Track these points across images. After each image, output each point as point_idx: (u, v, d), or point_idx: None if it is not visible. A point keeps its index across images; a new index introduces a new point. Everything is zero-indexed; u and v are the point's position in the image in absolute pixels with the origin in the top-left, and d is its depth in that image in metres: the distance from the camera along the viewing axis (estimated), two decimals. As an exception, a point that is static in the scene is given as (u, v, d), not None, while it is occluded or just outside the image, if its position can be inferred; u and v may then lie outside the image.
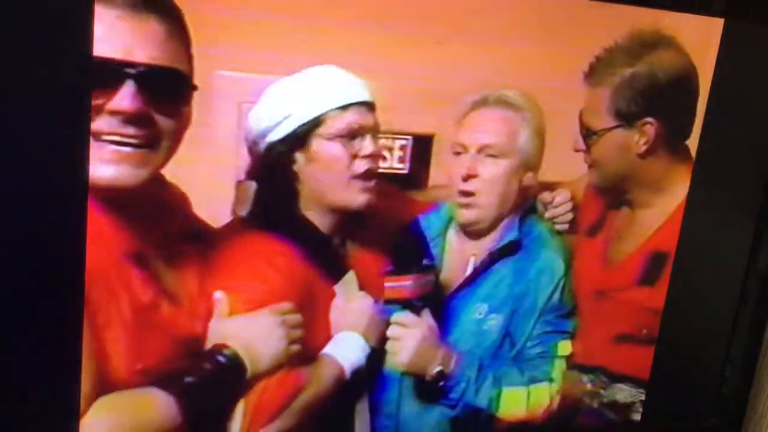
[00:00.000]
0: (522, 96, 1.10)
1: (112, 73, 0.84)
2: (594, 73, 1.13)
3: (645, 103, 1.14)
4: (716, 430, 1.40)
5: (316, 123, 1.00)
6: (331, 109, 1.00)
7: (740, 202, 1.29)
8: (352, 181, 1.02)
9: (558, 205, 1.17)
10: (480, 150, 1.10)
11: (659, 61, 1.14)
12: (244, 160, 1.01)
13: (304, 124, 1.00)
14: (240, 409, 0.96)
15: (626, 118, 1.15)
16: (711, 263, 1.30)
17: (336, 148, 1.00)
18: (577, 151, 1.17)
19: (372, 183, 1.03)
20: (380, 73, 1.02)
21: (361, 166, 1.02)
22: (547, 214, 1.17)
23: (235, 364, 0.93)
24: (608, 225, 1.22)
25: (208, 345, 0.95)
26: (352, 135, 1.01)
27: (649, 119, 1.15)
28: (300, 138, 1.00)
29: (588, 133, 1.16)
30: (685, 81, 1.17)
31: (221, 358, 0.93)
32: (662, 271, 1.23)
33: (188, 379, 0.91)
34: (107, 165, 0.85)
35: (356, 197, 1.03)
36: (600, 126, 1.15)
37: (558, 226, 1.18)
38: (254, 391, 0.96)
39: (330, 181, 1.02)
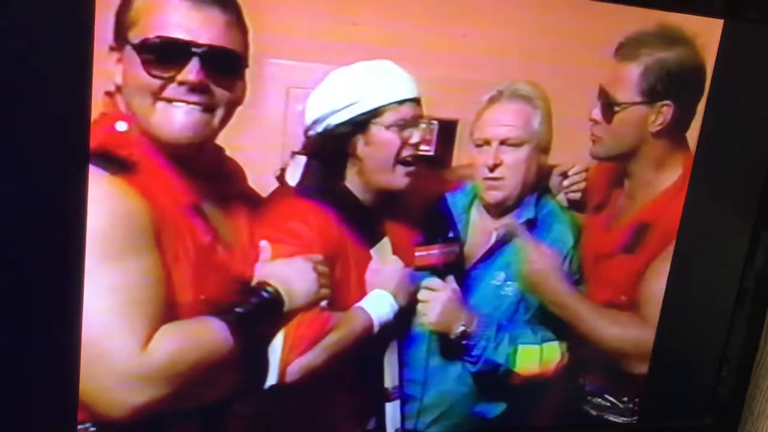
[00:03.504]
0: (531, 87, 1.21)
1: (182, 51, 0.99)
2: (625, 48, 1.22)
3: (669, 86, 1.23)
4: (712, 430, 1.43)
5: (376, 113, 1.13)
6: (391, 103, 1.13)
7: (737, 202, 1.32)
8: (398, 166, 1.15)
9: (575, 174, 1.28)
10: (502, 143, 1.22)
11: (684, 52, 1.23)
12: (291, 137, 1.14)
13: (365, 113, 1.13)
14: (280, 339, 1.09)
15: (650, 97, 1.24)
16: (708, 263, 1.34)
17: (390, 136, 1.14)
18: (591, 120, 1.25)
19: (413, 168, 1.16)
20: (410, 62, 1.13)
21: (407, 152, 1.15)
22: (565, 182, 1.28)
23: (275, 297, 1.08)
24: (611, 204, 1.32)
25: (254, 283, 1.09)
26: (405, 125, 1.14)
27: (668, 101, 1.24)
28: (361, 124, 1.13)
29: (609, 105, 1.24)
30: (697, 76, 1.26)
31: (264, 293, 1.07)
32: (643, 240, 1.30)
33: (238, 309, 1.05)
34: (173, 124, 1.01)
35: (399, 180, 1.16)
36: (624, 99, 1.24)
37: (571, 195, 1.29)
38: (292, 324, 1.09)
39: (379, 163, 1.15)
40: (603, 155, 1.29)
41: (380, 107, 1.13)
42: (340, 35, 1.10)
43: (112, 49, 0.98)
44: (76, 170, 0.97)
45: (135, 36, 0.98)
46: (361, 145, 1.15)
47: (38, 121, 0.94)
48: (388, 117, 1.14)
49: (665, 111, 1.25)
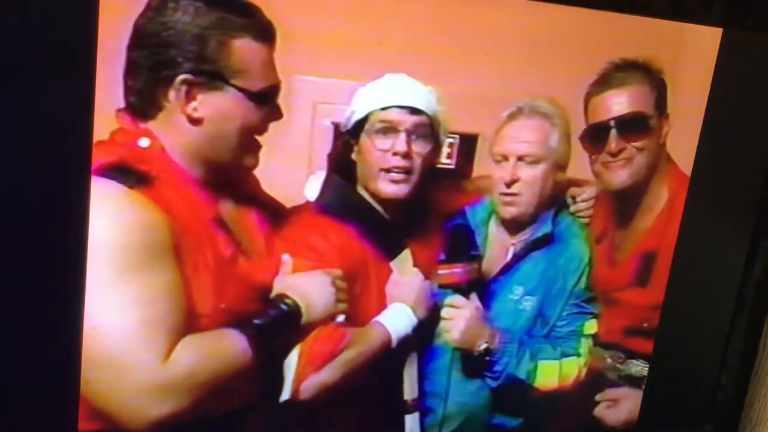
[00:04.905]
0: (550, 104, 1.22)
1: None
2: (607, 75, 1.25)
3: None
4: (712, 437, 1.45)
5: (365, 119, 1.13)
6: (376, 109, 1.12)
7: (737, 210, 1.34)
8: (382, 173, 1.14)
9: (584, 200, 1.29)
10: (520, 159, 1.23)
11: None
12: (316, 152, 1.14)
13: (359, 120, 1.13)
14: (295, 355, 1.10)
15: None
16: (707, 270, 1.35)
17: (371, 142, 1.13)
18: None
19: (401, 177, 1.14)
20: (434, 78, 1.14)
21: (391, 161, 1.14)
22: (572, 208, 1.29)
23: (293, 310, 1.09)
24: (611, 231, 1.33)
25: (273, 295, 1.09)
26: (385, 132, 1.13)
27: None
28: (355, 131, 1.14)
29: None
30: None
31: (283, 305, 1.08)
32: (652, 271, 1.31)
33: (257, 321, 1.06)
34: None
35: (385, 188, 1.15)
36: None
37: (580, 220, 1.30)
38: (308, 340, 1.10)
39: (368, 170, 1.15)
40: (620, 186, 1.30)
41: (367, 114, 1.13)
42: (366, 52, 1.11)
43: None
44: (81, 183, 0.96)
45: None
46: (355, 153, 1.15)
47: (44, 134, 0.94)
48: (371, 123, 1.13)
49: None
